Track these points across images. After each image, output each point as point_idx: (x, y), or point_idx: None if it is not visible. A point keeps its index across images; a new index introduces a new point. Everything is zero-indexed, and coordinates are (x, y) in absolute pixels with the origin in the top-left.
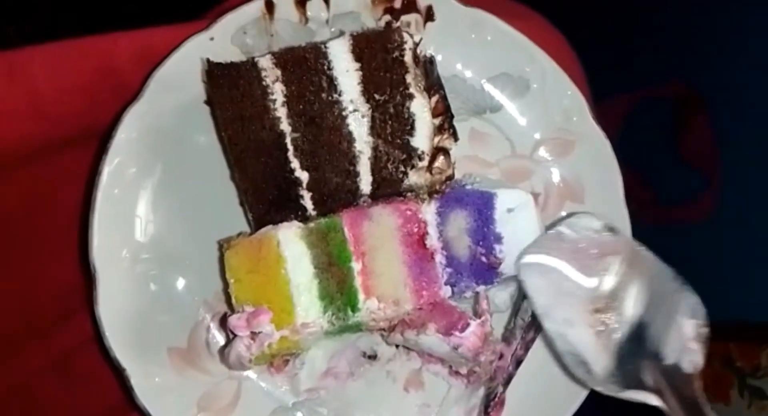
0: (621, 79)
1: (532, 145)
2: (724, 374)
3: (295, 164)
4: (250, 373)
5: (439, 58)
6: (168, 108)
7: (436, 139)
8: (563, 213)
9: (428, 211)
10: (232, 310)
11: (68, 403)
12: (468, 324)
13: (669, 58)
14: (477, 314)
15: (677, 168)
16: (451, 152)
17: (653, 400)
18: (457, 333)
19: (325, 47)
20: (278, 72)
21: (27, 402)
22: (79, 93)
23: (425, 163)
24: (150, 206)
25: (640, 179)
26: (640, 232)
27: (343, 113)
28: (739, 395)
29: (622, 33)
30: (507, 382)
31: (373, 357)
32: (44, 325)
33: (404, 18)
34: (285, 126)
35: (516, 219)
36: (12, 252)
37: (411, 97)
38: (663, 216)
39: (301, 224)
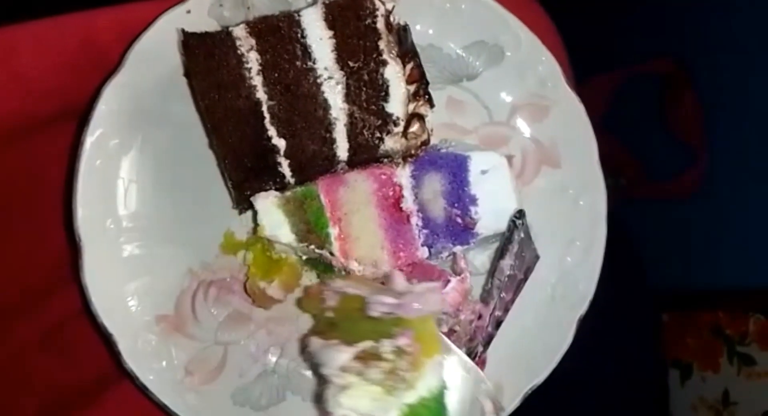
0: (609, 56)
1: (508, 111)
2: (713, 342)
3: (271, 131)
4: (238, 338)
5: (416, 27)
6: (148, 80)
7: (412, 105)
8: (540, 179)
9: (403, 175)
10: None
11: (59, 374)
12: (448, 280)
13: (657, 35)
14: (456, 272)
15: (665, 144)
16: (428, 120)
17: None
18: None
19: (298, 15)
20: (252, 41)
21: (19, 374)
22: (63, 69)
23: (400, 128)
24: (132, 176)
25: (629, 155)
26: (629, 205)
27: (318, 81)
28: (728, 362)
29: (611, 9)
30: (487, 343)
31: None
32: (35, 298)
33: None
34: (261, 94)
35: (490, 181)
36: (1, 227)
37: (384, 63)
38: (652, 191)
39: (278, 193)
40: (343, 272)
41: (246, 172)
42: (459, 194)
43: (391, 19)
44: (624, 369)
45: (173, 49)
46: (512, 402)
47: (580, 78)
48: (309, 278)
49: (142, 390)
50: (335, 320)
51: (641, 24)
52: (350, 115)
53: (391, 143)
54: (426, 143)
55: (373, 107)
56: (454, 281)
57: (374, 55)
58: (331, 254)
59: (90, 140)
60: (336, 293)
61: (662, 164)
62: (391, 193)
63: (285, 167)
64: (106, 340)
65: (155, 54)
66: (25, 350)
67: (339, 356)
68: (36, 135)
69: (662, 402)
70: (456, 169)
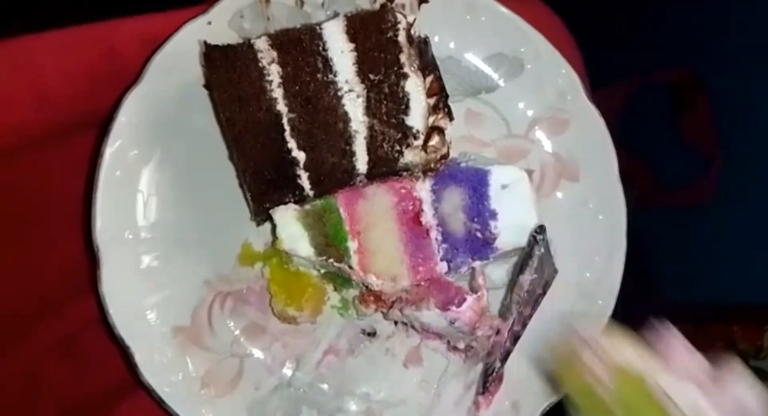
0: (621, 64)
1: (527, 124)
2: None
3: (291, 144)
4: (254, 350)
5: (435, 39)
6: (168, 92)
7: (431, 118)
8: (559, 192)
9: (423, 188)
10: None
11: (75, 384)
12: (465, 299)
13: (669, 42)
14: (473, 289)
15: (678, 152)
16: (447, 132)
17: None
18: (453, 308)
19: (320, 28)
20: (274, 54)
21: (33, 383)
22: (82, 79)
23: (420, 142)
24: (152, 187)
25: (641, 164)
26: (642, 216)
27: (339, 94)
28: None
29: (623, 18)
30: (505, 358)
31: (372, 334)
32: (51, 307)
33: (398, 0)
34: (281, 107)
35: (510, 195)
36: (18, 236)
37: (405, 76)
38: (664, 200)
39: (297, 206)
40: (362, 285)
41: (265, 184)
42: (479, 209)
43: (412, 31)
44: None
45: (194, 60)
46: None
47: (593, 87)
48: (327, 290)
49: (158, 402)
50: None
51: (654, 32)
52: (370, 128)
53: (411, 156)
54: (445, 156)
55: (394, 120)
56: (470, 300)
57: (395, 68)
58: (350, 267)
59: (109, 150)
60: (610, 370)
61: (675, 174)
62: (410, 207)
63: (304, 180)
64: (123, 351)
65: (176, 65)
66: (40, 359)
67: None
68: (53, 145)
69: None
70: (476, 183)
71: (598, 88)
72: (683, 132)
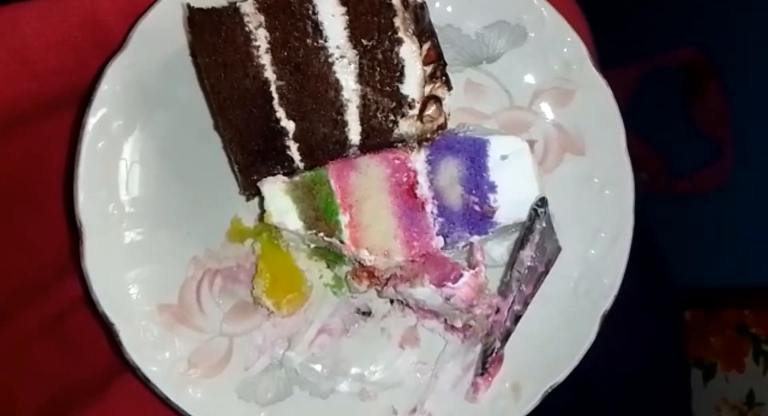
0: (632, 47)
1: (530, 95)
2: (738, 341)
3: (280, 113)
4: (244, 329)
5: (435, 5)
6: (153, 60)
7: (428, 87)
8: (563, 166)
9: (418, 160)
10: None
11: (63, 365)
12: (461, 275)
13: (680, 25)
14: (471, 265)
15: (689, 137)
16: (445, 104)
17: None
18: (449, 284)
19: None
20: (261, 17)
21: (20, 364)
22: (67, 49)
23: (416, 111)
24: (136, 159)
25: (651, 149)
26: (652, 202)
27: (330, 60)
28: (753, 362)
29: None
30: (505, 338)
31: (367, 314)
32: (38, 287)
33: None
34: (269, 74)
35: (511, 167)
36: (4, 214)
37: (400, 42)
38: (675, 186)
39: (286, 178)
40: (354, 261)
41: (253, 155)
42: (477, 181)
43: None
44: (645, 369)
45: (179, 28)
46: (531, 402)
47: (601, 69)
48: (319, 267)
49: (144, 382)
50: None
51: (664, 14)
52: (363, 96)
53: (406, 126)
54: (443, 126)
55: (388, 88)
56: (466, 275)
57: (389, 34)
58: (341, 242)
59: (92, 121)
60: None
61: (686, 159)
62: (405, 179)
63: (294, 151)
64: (108, 330)
65: (160, 33)
66: (27, 340)
67: None
68: (40, 119)
69: (684, 402)
70: (474, 154)
71: (608, 70)
72: (695, 116)
